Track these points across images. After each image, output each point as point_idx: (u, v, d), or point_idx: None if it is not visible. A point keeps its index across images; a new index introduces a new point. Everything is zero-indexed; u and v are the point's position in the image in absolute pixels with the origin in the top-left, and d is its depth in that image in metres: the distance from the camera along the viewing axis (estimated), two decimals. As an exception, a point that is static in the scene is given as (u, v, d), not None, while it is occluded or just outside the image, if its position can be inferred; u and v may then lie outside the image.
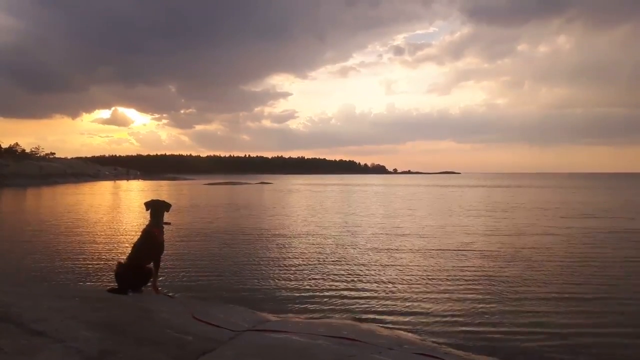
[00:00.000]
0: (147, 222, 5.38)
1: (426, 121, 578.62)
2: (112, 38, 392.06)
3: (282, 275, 8.27)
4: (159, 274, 5.42)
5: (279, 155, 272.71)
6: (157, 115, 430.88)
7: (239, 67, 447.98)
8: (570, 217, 19.06)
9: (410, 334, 5.07)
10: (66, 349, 2.98)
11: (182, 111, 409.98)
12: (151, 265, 5.19)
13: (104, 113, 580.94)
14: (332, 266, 9.09)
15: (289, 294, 7.06)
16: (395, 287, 7.48)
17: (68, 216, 19.23)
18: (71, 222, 16.81)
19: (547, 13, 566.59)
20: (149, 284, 5.28)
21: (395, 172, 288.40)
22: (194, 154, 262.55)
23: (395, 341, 4.33)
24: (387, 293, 7.10)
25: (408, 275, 8.29)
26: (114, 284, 5.37)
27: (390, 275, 8.35)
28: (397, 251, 10.86)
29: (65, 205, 26.37)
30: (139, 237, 5.34)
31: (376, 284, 7.65)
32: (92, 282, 7.72)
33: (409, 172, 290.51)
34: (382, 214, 21.41)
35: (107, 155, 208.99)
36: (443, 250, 11.00)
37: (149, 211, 5.33)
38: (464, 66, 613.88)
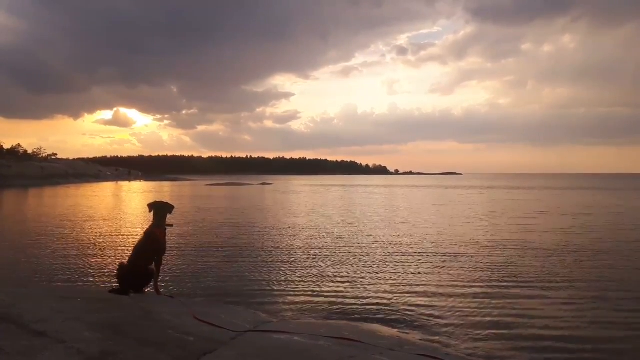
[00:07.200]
0: (149, 223, 5.40)
1: (428, 121, 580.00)
2: (114, 38, 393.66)
3: (284, 277, 8.26)
4: (160, 275, 5.43)
5: (281, 156, 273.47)
6: (158, 116, 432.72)
7: (241, 67, 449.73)
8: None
9: (411, 335, 5.06)
10: (67, 349, 2.99)
11: (183, 112, 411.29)
12: (153, 266, 5.20)
13: (106, 114, 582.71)
14: (334, 267, 9.08)
15: (290, 295, 7.06)
16: (396, 288, 7.47)
17: (69, 217, 19.25)
18: (72, 223, 16.82)
19: (551, 12, 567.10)
20: (151, 284, 5.29)
21: (396, 172, 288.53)
22: (195, 154, 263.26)
23: (396, 342, 4.33)
24: (388, 294, 7.08)
25: (410, 277, 8.28)
26: (116, 285, 5.39)
27: (393, 276, 8.34)
28: (400, 253, 10.84)
29: (66, 206, 26.41)
30: (140, 238, 5.35)
31: (378, 285, 7.64)
32: (94, 283, 7.72)
33: (410, 173, 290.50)
34: (383, 214, 21.41)
35: (108, 156, 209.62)
36: (447, 252, 10.99)
37: (152, 212, 5.34)
38: (467, 66, 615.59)
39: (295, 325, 4.78)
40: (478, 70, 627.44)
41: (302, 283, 7.78)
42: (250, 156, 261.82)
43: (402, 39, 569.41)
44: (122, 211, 23.34)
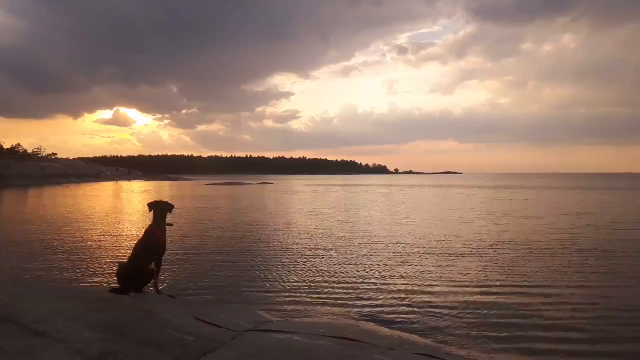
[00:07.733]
0: (149, 223, 5.40)
1: (428, 121, 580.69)
2: (114, 38, 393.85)
3: (284, 276, 8.26)
4: (160, 274, 5.43)
5: (281, 156, 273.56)
6: (159, 116, 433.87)
7: (241, 66, 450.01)
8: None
9: (411, 335, 5.05)
10: (68, 349, 2.98)
11: (184, 111, 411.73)
12: (153, 265, 5.20)
13: (106, 113, 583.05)
14: (334, 267, 9.07)
15: (290, 294, 7.05)
16: (397, 287, 7.46)
17: (69, 217, 19.24)
18: (73, 223, 16.80)
19: (552, 12, 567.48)
20: (151, 284, 5.29)
21: (396, 172, 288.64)
22: (195, 154, 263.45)
23: (396, 341, 4.32)
24: (389, 293, 7.08)
25: (410, 276, 8.27)
26: (116, 285, 5.39)
27: (393, 276, 8.33)
28: (401, 253, 10.84)
29: (66, 206, 26.39)
30: (141, 237, 5.35)
31: (378, 285, 7.63)
32: (94, 282, 7.72)
33: (410, 173, 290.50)
34: (383, 214, 21.40)
35: (109, 155, 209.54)
36: (448, 251, 10.98)
37: (152, 212, 5.34)
38: (467, 66, 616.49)
39: (295, 324, 4.77)
40: (478, 70, 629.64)
41: (303, 283, 7.77)
42: (250, 156, 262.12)
43: (403, 39, 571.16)
44: (122, 211, 23.33)
